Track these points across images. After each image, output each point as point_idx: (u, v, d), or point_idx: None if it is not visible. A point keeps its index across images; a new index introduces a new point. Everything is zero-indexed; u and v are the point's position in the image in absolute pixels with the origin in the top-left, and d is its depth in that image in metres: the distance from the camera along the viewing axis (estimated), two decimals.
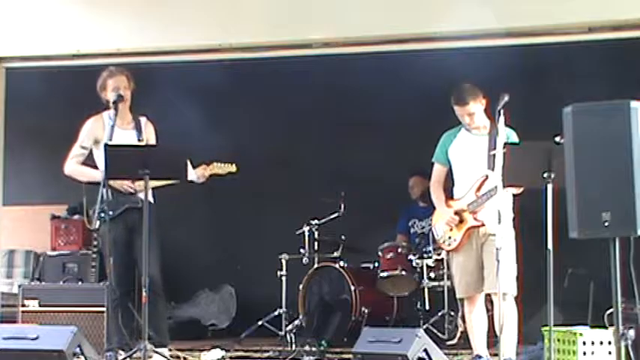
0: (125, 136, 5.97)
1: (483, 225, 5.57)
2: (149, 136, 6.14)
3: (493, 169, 5.36)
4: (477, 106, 5.61)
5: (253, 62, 7.80)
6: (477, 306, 5.67)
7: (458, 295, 5.84)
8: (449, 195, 5.82)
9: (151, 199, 5.66)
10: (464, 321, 6.41)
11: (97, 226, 5.91)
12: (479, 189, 5.58)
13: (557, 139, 4.86)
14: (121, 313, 5.95)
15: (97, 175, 5.96)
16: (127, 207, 5.91)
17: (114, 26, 7.46)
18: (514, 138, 5.54)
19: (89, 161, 6.15)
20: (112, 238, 5.66)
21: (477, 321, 5.67)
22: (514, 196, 5.59)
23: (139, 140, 6.04)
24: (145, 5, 7.48)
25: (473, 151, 5.62)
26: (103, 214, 5.84)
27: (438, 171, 5.87)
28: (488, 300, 5.81)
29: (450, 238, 5.72)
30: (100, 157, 6.00)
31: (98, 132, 6.10)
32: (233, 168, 6.15)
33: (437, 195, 5.84)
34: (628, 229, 3.83)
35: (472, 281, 5.63)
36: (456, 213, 5.65)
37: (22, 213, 8.66)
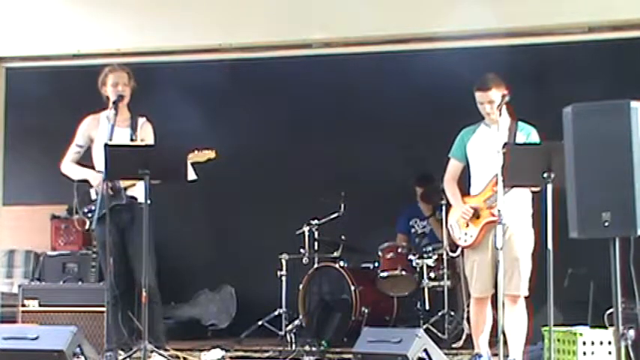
0: (119, 134, 5.96)
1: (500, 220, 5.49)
2: (146, 136, 6.11)
3: None
4: (498, 95, 5.53)
5: (253, 62, 7.80)
6: (486, 305, 5.63)
7: (473, 295, 5.70)
8: (465, 192, 5.76)
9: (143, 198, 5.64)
10: (469, 323, 6.37)
11: (90, 227, 5.93)
12: (495, 184, 5.50)
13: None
14: (120, 312, 5.95)
15: (87, 174, 5.99)
16: (114, 205, 5.86)
17: (114, 26, 7.46)
18: (534, 137, 5.50)
19: (87, 159, 6.16)
20: (109, 238, 5.66)
21: (484, 321, 5.64)
22: (533, 193, 5.52)
23: (132, 139, 6.03)
24: (145, 5, 7.48)
25: (492, 147, 5.51)
26: (90, 214, 5.87)
27: (453, 167, 5.78)
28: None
29: (466, 234, 5.62)
30: (97, 155, 6.02)
31: (93, 131, 6.13)
32: (212, 154, 6.01)
33: (452, 192, 5.76)
34: (628, 229, 3.83)
35: (488, 281, 5.54)
36: (472, 208, 5.59)
37: (22, 213, 8.65)
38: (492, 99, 5.51)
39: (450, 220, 5.78)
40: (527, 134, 5.46)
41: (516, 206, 5.31)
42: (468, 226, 5.61)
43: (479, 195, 5.61)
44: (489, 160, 5.51)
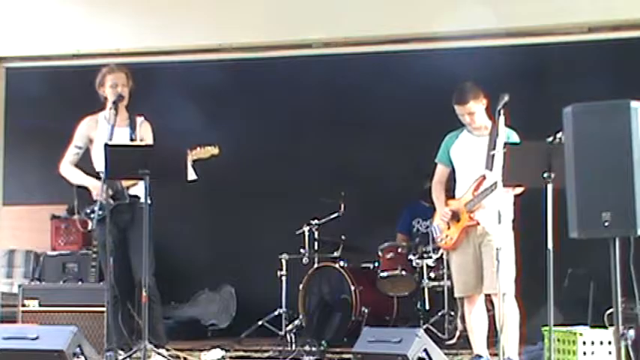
0: (118, 134, 5.96)
1: (479, 224, 5.57)
2: (145, 135, 6.11)
3: (491, 169, 5.38)
4: (477, 106, 5.60)
5: (253, 62, 7.81)
6: (476, 306, 5.67)
7: (455, 294, 5.84)
8: (451, 195, 5.82)
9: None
10: (463, 321, 6.41)
11: (92, 228, 5.93)
12: (476, 189, 5.58)
13: (550, 139, 4.91)
14: (120, 312, 5.95)
15: (87, 182, 6.00)
16: (116, 204, 5.86)
17: (114, 26, 7.47)
18: (515, 138, 5.54)
19: (86, 160, 6.15)
20: (110, 238, 5.66)
21: (477, 321, 5.67)
22: (515, 196, 5.58)
23: (132, 139, 6.03)
24: (144, 5, 7.49)
25: (474, 152, 5.61)
26: (92, 214, 5.87)
27: (440, 171, 5.88)
28: (489, 300, 5.81)
29: (447, 236, 5.73)
30: (96, 156, 6.02)
31: (92, 131, 6.12)
32: (215, 150, 6.02)
33: (437, 195, 5.86)
34: (628, 229, 3.82)
35: (470, 281, 5.63)
36: (452, 211, 5.66)
37: (22, 213, 8.65)
38: (471, 111, 5.60)
39: (434, 222, 5.89)
40: (508, 137, 5.48)
41: (498, 209, 5.31)
42: (449, 228, 5.70)
43: (460, 199, 5.69)
44: (472, 165, 5.63)
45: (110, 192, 5.79)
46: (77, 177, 6.08)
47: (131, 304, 5.83)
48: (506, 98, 5.17)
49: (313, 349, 6.76)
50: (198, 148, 5.97)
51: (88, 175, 6.05)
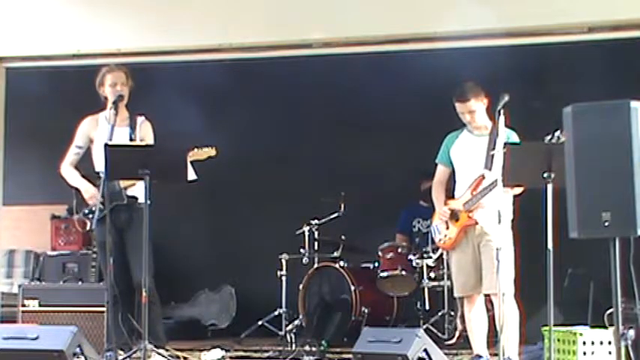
0: (118, 133, 5.95)
1: (477, 224, 5.57)
2: (145, 135, 6.10)
3: (490, 169, 5.38)
4: (478, 104, 5.60)
5: (253, 62, 7.80)
6: (476, 306, 5.67)
7: (455, 294, 5.84)
8: (450, 195, 5.82)
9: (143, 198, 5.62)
10: (463, 321, 6.41)
11: (91, 228, 5.93)
12: (475, 188, 5.58)
13: (549, 137, 4.92)
14: (120, 313, 5.94)
15: (81, 185, 6.01)
16: (114, 205, 5.86)
17: (114, 26, 7.46)
18: (515, 138, 5.54)
19: (86, 160, 6.15)
20: (109, 238, 5.66)
21: (477, 321, 5.67)
22: (515, 196, 5.58)
23: (132, 139, 6.02)
24: (145, 5, 7.49)
25: (474, 152, 5.62)
26: (91, 215, 5.87)
27: (440, 172, 5.89)
28: (489, 300, 5.81)
29: (445, 236, 5.73)
30: (96, 156, 6.02)
31: (93, 131, 6.13)
32: (212, 152, 6.04)
33: (437, 195, 5.86)
34: (628, 229, 3.83)
35: (469, 281, 5.63)
36: (451, 210, 5.67)
37: (22, 213, 8.65)
38: (472, 109, 5.61)
39: (434, 223, 5.89)
40: (508, 137, 5.48)
41: (498, 209, 5.31)
42: (448, 228, 5.71)
43: (459, 198, 5.70)
44: (471, 165, 5.64)
45: (102, 192, 5.77)
46: (72, 179, 6.09)
47: (130, 305, 5.82)
48: (506, 98, 5.17)
49: (313, 349, 6.76)
50: (196, 150, 5.98)
51: (84, 177, 6.05)
